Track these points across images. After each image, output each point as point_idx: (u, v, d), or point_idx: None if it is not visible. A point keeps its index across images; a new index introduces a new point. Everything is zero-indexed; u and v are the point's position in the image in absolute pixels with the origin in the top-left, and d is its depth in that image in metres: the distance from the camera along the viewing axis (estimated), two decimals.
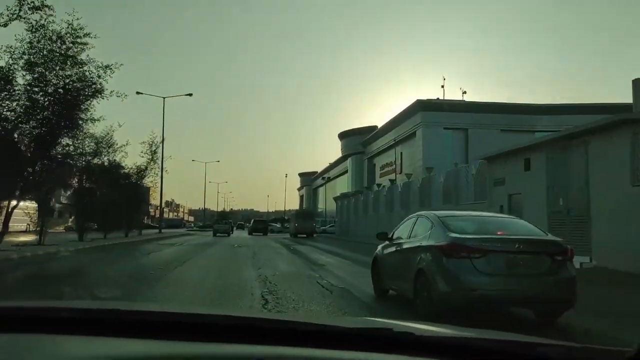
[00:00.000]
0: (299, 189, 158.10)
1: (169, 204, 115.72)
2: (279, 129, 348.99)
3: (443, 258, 6.56)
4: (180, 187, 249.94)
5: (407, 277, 7.36)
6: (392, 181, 49.38)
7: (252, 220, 53.90)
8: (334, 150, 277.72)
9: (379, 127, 73.11)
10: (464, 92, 54.50)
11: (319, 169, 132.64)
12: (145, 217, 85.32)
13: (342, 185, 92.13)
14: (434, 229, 7.22)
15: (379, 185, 54.50)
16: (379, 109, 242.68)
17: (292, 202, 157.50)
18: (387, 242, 8.90)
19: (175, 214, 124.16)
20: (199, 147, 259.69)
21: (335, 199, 70.17)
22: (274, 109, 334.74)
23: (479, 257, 6.30)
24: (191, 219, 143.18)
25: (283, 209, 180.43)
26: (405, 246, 7.90)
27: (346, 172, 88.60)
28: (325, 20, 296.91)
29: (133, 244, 27.82)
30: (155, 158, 36.34)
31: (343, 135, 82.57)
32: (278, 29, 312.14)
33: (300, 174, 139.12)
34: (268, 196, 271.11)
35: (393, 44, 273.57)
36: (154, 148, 35.96)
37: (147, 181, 38.00)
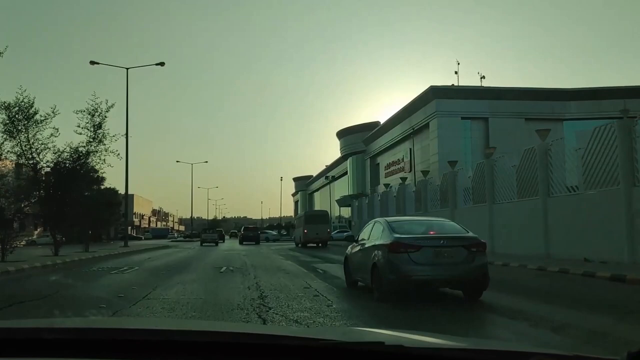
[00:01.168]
0: (293, 195, 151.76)
1: (156, 212, 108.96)
2: (273, 133, 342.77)
3: (388, 253, 8.66)
4: (170, 195, 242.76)
5: (366, 269, 9.47)
6: (404, 179, 43.21)
7: (243, 228, 46.95)
8: (330, 154, 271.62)
9: (381, 123, 67.31)
10: (483, 77, 48.12)
11: (314, 173, 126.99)
12: (130, 228, 78.99)
13: (341, 187, 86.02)
14: (384, 231, 9.30)
15: (386, 185, 48.27)
16: (380, 105, 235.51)
17: (285, 208, 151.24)
18: (354, 243, 11.07)
19: (165, 223, 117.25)
20: (187, 155, 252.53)
21: (338, 201, 63.74)
22: (266, 113, 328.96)
23: (414, 251, 8.49)
24: (182, 228, 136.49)
25: (279, 215, 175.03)
26: (366, 246, 9.98)
27: (346, 173, 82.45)
28: (319, 12, 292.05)
29: (48, 270, 16.86)
30: (100, 135, 23.62)
31: (342, 134, 76.42)
32: (268, 25, 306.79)
33: (295, 179, 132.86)
34: (262, 202, 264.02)
35: (395, 33, 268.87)
36: (98, 120, 23.45)
37: (97, 168, 25.80)
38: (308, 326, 6.51)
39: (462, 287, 9.00)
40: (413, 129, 48.44)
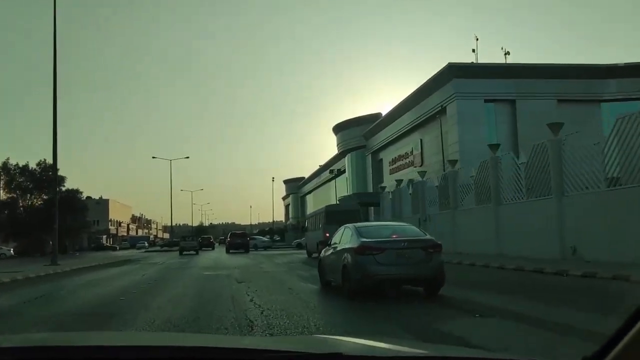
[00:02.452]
0: (284, 198, 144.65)
1: (136, 219, 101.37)
2: (261, 135, 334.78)
3: (356, 255, 9.60)
4: (154, 202, 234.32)
5: (337, 270, 10.40)
6: (422, 173, 36.69)
7: (229, 234, 38.53)
8: (323, 154, 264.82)
9: (383, 115, 60.82)
10: (507, 53, 41.56)
11: (307, 175, 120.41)
12: (105, 237, 71.84)
13: (339, 187, 79.35)
14: (352, 236, 10.20)
15: (399, 181, 41.63)
16: (378, 97, 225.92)
17: (275, 213, 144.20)
18: (327, 247, 11.94)
19: (147, 230, 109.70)
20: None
21: (341, 200, 56.99)
22: (254, 114, 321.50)
23: (378, 253, 9.39)
24: (166, 236, 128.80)
25: (269, 220, 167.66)
26: (337, 249, 10.86)
27: (344, 171, 75.78)
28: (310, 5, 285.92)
29: None
30: None
31: (339, 128, 69.79)
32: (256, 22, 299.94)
33: (286, 181, 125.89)
34: (251, 207, 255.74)
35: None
36: None
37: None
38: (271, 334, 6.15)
39: (422, 284, 9.96)
40: (438, 114, 41.31)
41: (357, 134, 64.56)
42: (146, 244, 65.15)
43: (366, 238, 9.72)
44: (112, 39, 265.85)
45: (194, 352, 1.34)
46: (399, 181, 41.83)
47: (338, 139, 70.86)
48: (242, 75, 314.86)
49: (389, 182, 56.48)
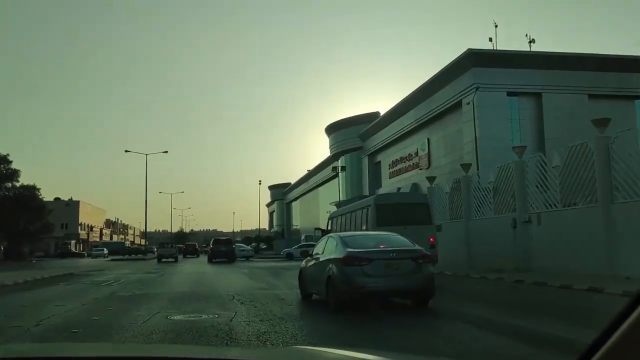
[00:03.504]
0: (268, 205, 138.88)
1: (111, 223, 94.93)
2: (244, 140, 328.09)
3: (342, 266, 9.04)
4: (132, 207, 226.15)
5: (321, 282, 9.70)
6: (432, 179, 31.97)
7: (212, 241, 32.95)
8: (311, 160, 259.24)
9: (381, 114, 56.06)
10: (532, 41, 36.93)
11: (293, 180, 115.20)
12: (74, 242, 65.67)
13: (329, 193, 74.31)
14: (337, 246, 9.66)
15: (418, 185, 36.66)
16: (373, 96, 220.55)
17: (256, 221, 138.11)
18: (309, 257, 11.29)
19: (123, 236, 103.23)
20: (151, 168, 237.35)
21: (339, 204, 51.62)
22: (238, 119, 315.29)
23: (366, 264, 8.87)
24: (144, 242, 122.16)
25: (252, 228, 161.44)
26: (320, 260, 10.26)
27: (336, 176, 70.72)
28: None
29: None
30: None
31: (332, 129, 64.77)
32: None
33: (271, 187, 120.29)
34: (234, 213, 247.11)
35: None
36: None
37: None
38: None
39: (411, 296, 9.51)
40: (469, 101, 36.22)
41: (352, 134, 59.68)
42: (105, 252, 53.29)
43: (352, 248, 9.37)
44: (100, 42, 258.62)
45: None
46: (418, 184, 36.78)
47: (331, 141, 65.84)
48: (226, 76, 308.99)
49: (388, 186, 51.63)
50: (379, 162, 55.26)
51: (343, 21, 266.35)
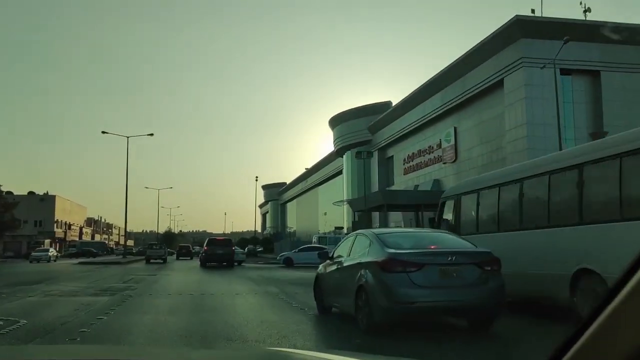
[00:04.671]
0: (261, 205, 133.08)
1: (93, 222, 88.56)
2: (240, 137, 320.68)
3: (381, 273, 6.70)
4: (117, 207, 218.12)
5: (348, 293, 7.43)
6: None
7: (207, 241, 26.94)
8: (307, 160, 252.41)
9: (393, 104, 50.60)
10: (587, 10, 31.40)
11: (289, 180, 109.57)
12: (49, 241, 59.04)
13: (331, 192, 68.71)
14: (372, 246, 7.36)
15: (441, 181, 31.22)
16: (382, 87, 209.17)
17: (249, 224, 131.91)
18: (328, 261, 8.93)
19: (107, 236, 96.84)
20: (143, 169, 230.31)
21: (352, 202, 46.21)
22: (230, 115, 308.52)
23: (415, 270, 6.51)
24: (130, 243, 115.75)
25: (243, 230, 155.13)
26: (345, 264, 7.99)
27: (339, 173, 65.16)
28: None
29: None
30: None
31: (337, 121, 59.12)
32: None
33: (265, 186, 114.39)
34: (225, 214, 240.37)
35: None
36: None
37: None
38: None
39: (472, 314, 7.01)
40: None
41: (359, 127, 54.13)
42: (50, 254, 38.77)
43: (394, 248, 6.87)
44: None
45: None
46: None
47: (335, 134, 60.18)
48: (220, 73, 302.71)
49: (401, 184, 46.18)
50: (391, 157, 49.77)
51: (344, 8, 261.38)
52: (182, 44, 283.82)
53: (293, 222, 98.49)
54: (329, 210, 72.41)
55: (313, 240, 31.71)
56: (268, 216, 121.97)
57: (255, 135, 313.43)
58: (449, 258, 6.81)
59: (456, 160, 36.89)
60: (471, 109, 34.66)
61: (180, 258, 42.31)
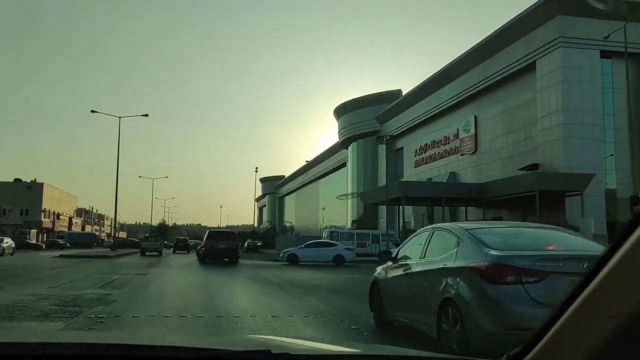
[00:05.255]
0: (257, 199, 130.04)
1: (84, 212, 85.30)
2: (238, 129, 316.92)
3: (483, 284, 4.59)
4: (110, 198, 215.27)
5: (424, 308, 5.53)
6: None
7: (208, 234, 23.39)
8: (304, 153, 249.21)
9: (403, 92, 47.83)
10: None
11: (287, 174, 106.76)
12: (35, 232, 55.81)
13: (334, 185, 65.90)
14: (462, 245, 5.25)
15: (457, 174, 28.51)
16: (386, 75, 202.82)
17: (244, 218, 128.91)
18: (390, 264, 6.88)
19: (98, 227, 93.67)
20: (137, 159, 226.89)
21: (364, 195, 43.47)
22: (232, 107, 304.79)
23: (534, 281, 4.44)
24: (123, 235, 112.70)
25: (239, 223, 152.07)
26: (418, 268, 5.99)
27: (343, 166, 62.38)
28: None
29: None
30: None
31: (342, 110, 56.19)
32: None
33: (263, 179, 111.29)
34: (221, 207, 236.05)
35: None
36: None
37: None
38: None
39: None
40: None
41: (366, 117, 51.29)
42: (5, 244, 27.98)
43: (497, 249, 4.68)
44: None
45: (117, 349, 1.25)
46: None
47: (340, 124, 57.29)
48: (217, 63, 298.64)
49: (412, 177, 43.36)
50: (401, 148, 46.99)
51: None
52: (185, 33, 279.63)
53: (291, 216, 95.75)
54: (331, 204, 69.78)
55: (323, 235, 28.77)
56: (265, 210, 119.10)
57: (254, 127, 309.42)
58: (582, 264, 4.65)
59: (476, 152, 34.16)
60: (495, 96, 31.90)
61: (177, 252, 40.64)
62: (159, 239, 37.86)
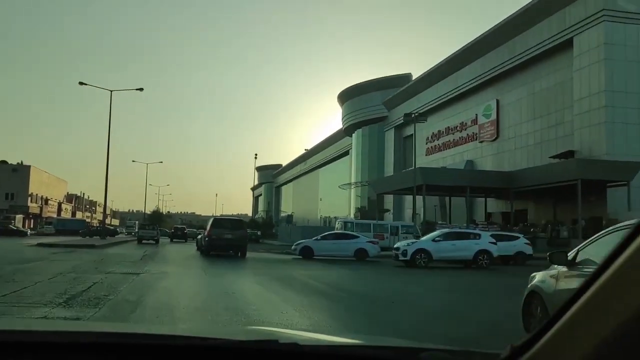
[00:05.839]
0: (253, 188, 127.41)
1: (74, 198, 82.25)
2: (235, 116, 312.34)
3: None
4: (102, 184, 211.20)
5: None
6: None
7: (212, 222, 19.85)
8: (304, 142, 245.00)
9: (413, 76, 45.29)
10: None
11: (284, 162, 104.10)
12: (22, 217, 52.96)
13: (334, 175, 63.38)
14: None
15: (474, 162, 26.08)
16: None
17: (239, 207, 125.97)
18: (562, 269, 4.95)
19: (90, 214, 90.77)
20: (130, 146, 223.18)
21: (376, 183, 41.01)
22: (229, 94, 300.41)
23: None
24: (115, 222, 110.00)
25: (236, 212, 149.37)
26: None
27: (345, 154, 59.83)
28: None
29: None
30: None
31: (347, 95, 53.47)
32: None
33: (259, 168, 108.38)
34: (217, 195, 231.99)
35: None
36: None
37: None
38: None
39: None
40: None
41: (373, 102, 48.67)
42: None
43: None
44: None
45: (125, 337, 1.26)
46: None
47: (345, 110, 54.61)
48: (215, 48, 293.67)
49: (423, 165, 41.02)
50: (410, 135, 44.37)
51: None
52: (181, 18, 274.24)
53: (288, 206, 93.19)
54: (330, 193, 67.33)
55: (337, 226, 26.15)
56: (261, 199, 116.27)
57: (252, 115, 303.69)
58: None
59: (497, 138, 31.71)
60: (521, 78, 29.39)
61: (175, 240, 40.16)
62: (155, 227, 37.14)
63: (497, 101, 31.73)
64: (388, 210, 43.96)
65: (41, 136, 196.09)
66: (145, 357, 1.13)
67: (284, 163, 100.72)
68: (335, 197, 63.92)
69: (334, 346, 1.33)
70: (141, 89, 27.01)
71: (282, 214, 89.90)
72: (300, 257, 18.93)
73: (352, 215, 52.17)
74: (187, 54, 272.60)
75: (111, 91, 26.47)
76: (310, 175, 78.59)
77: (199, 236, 23.55)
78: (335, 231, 22.24)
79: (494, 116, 31.99)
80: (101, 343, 1.19)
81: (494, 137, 31.94)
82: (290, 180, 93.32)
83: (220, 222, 19.38)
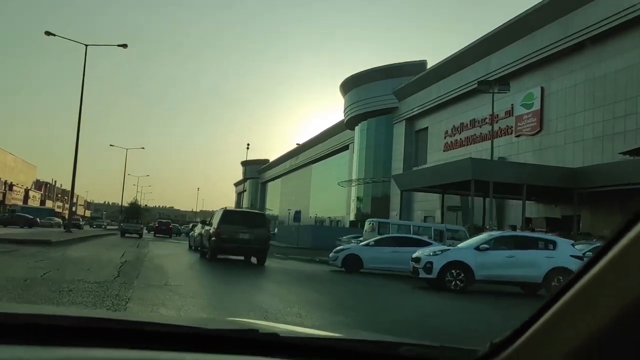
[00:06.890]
0: (237, 184, 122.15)
1: (44, 185, 75.99)
2: (221, 105, 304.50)
3: None
4: (80, 174, 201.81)
5: None
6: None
7: (222, 215, 14.15)
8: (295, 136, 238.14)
9: (428, 65, 41.01)
10: None
11: (271, 158, 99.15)
12: None
13: (329, 171, 58.79)
14: None
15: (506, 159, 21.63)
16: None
17: (219, 203, 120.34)
18: None
19: (62, 203, 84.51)
20: (112, 132, 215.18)
21: (401, 178, 36.36)
22: (217, 84, 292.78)
23: None
24: (87, 213, 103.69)
25: (216, 207, 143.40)
26: None
27: (345, 148, 55.27)
28: None
29: None
30: None
31: (351, 84, 48.78)
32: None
33: (245, 163, 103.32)
34: (198, 189, 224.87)
35: None
36: None
37: None
38: None
39: None
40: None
41: (381, 91, 44.16)
42: None
43: None
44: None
45: (107, 322, 1.24)
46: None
47: (348, 101, 49.96)
48: (209, 38, 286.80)
49: (439, 163, 36.69)
50: (425, 128, 40.07)
51: None
52: (170, 11, 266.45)
53: (274, 204, 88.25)
54: (323, 191, 62.87)
55: (366, 227, 21.27)
56: (245, 195, 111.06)
57: (240, 105, 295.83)
58: None
59: (540, 132, 27.48)
60: (575, 61, 25.18)
61: (158, 235, 38.67)
62: (139, 221, 37.32)
63: (542, 89, 27.48)
64: (394, 212, 39.71)
65: (7, 109, 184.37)
66: (122, 343, 1.08)
67: (272, 159, 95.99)
68: (329, 195, 59.51)
69: (315, 338, 1.32)
70: (124, 45, 22.04)
71: (267, 212, 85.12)
72: (343, 268, 13.99)
73: (351, 216, 47.69)
74: (177, 45, 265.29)
75: (86, 45, 21.47)
76: (302, 171, 73.88)
77: (193, 233, 18.73)
78: (395, 235, 16.65)
79: (536, 106, 27.75)
80: (79, 327, 1.14)
81: (536, 131, 27.71)
82: (279, 176, 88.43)
83: (234, 216, 14.15)
